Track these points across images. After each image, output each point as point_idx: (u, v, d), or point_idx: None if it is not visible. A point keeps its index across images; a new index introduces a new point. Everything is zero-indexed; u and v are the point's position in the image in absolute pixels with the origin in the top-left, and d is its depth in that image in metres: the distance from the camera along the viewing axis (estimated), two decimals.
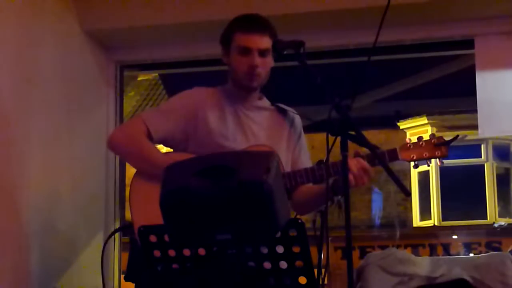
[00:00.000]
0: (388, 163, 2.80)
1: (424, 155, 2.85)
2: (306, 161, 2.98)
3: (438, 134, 2.91)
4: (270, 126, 2.95)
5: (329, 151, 2.60)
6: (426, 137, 2.88)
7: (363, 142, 2.44)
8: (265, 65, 2.86)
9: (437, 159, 2.87)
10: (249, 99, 2.95)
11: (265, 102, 3.01)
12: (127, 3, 4.09)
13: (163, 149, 3.20)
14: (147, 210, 2.68)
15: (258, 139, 2.88)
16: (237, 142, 2.85)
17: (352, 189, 2.75)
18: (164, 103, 2.99)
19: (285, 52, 2.78)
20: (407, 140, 2.87)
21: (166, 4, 4.05)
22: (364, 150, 2.66)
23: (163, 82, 13.00)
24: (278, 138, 2.94)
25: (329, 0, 3.90)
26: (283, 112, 3.00)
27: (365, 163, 2.71)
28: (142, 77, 13.62)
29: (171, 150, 2.99)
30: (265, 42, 2.83)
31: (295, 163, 2.95)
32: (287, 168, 2.90)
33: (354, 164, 2.68)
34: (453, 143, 2.85)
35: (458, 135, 2.87)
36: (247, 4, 3.81)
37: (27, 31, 3.62)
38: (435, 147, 2.84)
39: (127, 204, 5.05)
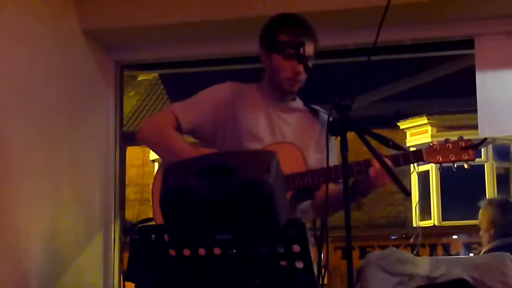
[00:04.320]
0: (414, 164, 2.77)
1: (450, 157, 2.76)
2: (334, 163, 2.93)
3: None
4: (301, 128, 2.93)
5: (329, 151, 2.60)
6: (453, 138, 2.77)
7: (366, 143, 2.44)
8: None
9: (464, 163, 2.78)
10: (283, 100, 2.93)
11: (299, 103, 2.99)
12: (127, 3, 4.09)
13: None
14: None
15: (286, 139, 2.86)
16: (264, 141, 2.83)
17: (375, 189, 2.72)
18: (196, 95, 2.96)
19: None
20: (434, 142, 2.79)
21: (166, 4, 4.05)
22: (388, 151, 2.61)
23: (163, 82, 12.97)
24: (307, 139, 2.91)
25: (329, 0, 3.90)
26: (315, 113, 2.98)
27: (389, 162, 2.64)
28: (142, 77, 13.62)
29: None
30: (311, 49, 2.81)
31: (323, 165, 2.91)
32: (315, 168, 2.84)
33: (377, 162, 2.64)
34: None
35: (486, 139, 2.81)
36: (247, 5, 3.81)
37: (26, 31, 3.62)
38: (462, 150, 2.75)
39: (127, 204, 5.07)
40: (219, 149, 2.82)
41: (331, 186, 2.78)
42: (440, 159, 2.77)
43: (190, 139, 2.96)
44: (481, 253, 4.44)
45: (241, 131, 2.84)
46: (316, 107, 2.99)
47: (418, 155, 2.77)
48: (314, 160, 2.88)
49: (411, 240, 8.07)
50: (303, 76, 2.84)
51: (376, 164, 2.63)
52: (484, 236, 4.48)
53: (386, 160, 2.63)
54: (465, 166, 2.81)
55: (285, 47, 2.80)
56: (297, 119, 2.94)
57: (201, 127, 2.88)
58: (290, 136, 2.88)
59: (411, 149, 2.93)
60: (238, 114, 2.86)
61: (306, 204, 2.84)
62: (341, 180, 2.56)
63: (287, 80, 2.84)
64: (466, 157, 2.76)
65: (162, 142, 2.87)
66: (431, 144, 2.80)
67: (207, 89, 2.95)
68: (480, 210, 4.59)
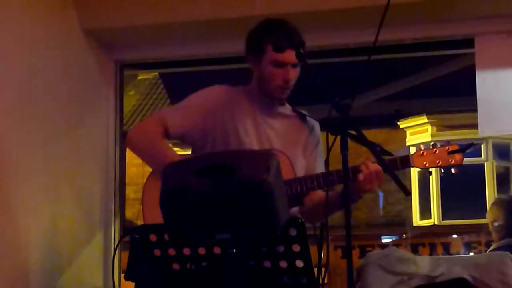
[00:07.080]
0: (400, 170, 2.78)
1: (437, 162, 2.79)
2: (320, 170, 2.93)
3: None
4: (288, 133, 2.93)
5: (329, 150, 2.60)
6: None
7: (363, 141, 2.44)
8: (296, 76, 2.84)
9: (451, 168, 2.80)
10: (271, 105, 2.93)
11: (286, 108, 2.98)
12: (127, 3, 4.09)
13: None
14: (158, 210, 2.67)
15: (273, 146, 2.86)
16: (252, 147, 2.83)
17: (363, 195, 2.72)
18: (185, 99, 2.96)
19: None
20: (421, 147, 2.81)
21: (166, 4, 4.05)
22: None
23: (163, 81, 12.99)
24: (295, 145, 2.91)
25: None
26: (303, 119, 2.98)
27: (377, 166, 2.64)
28: (142, 76, 13.62)
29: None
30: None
31: (310, 170, 2.91)
32: (302, 174, 2.86)
33: (365, 167, 2.65)
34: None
35: (472, 143, 2.81)
36: (247, 4, 3.81)
37: (27, 30, 3.62)
38: (449, 154, 2.78)
39: (127, 203, 5.06)
40: None
41: (319, 193, 2.80)
42: (427, 165, 2.80)
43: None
44: (488, 250, 4.44)
45: (229, 137, 2.84)
46: (304, 112, 2.99)
47: (405, 161, 2.79)
48: (301, 166, 2.88)
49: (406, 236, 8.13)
50: (293, 83, 2.84)
51: (365, 169, 2.64)
52: (494, 233, 4.46)
53: (374, 165, 2.63)
54: (452, 170, 2.82)
55: (273, 57, 2.79)
56: (284, 125, 2.94)
57: (190, 133, 2.88)
58: (277, 143, 2.88)
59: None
60: (226, 120, 2.86)
61: (294, 211, 2.84)
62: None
63: (277, 88, 2.84)
64: (453, 162, 2.79)
65: (150, 151, 2.88)
66: (418, 150, 2.81)
67: (196, 94, 2.95)
68: (491, 207, 4.55)
